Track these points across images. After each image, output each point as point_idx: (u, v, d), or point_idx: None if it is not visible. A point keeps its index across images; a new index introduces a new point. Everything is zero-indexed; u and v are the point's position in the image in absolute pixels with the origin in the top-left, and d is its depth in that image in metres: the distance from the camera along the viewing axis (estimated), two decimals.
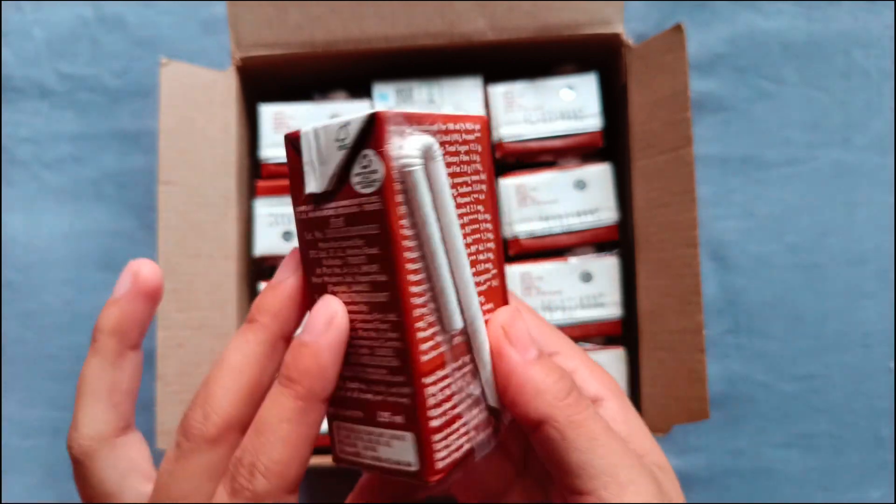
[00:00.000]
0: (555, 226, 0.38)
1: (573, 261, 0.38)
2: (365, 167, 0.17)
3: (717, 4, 0.45)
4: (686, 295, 0.34)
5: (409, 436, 0.18)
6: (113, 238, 0.46)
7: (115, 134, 0.47)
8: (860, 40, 0.44)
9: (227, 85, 0.39)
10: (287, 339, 0.20)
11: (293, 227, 0.39)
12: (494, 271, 0.20)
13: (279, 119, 0.40)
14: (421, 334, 0.17)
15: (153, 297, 0.21)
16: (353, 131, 0.17)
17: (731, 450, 0.43)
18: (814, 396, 0.43)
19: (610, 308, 0.38)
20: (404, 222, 0.17)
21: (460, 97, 0.40)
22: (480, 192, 0.19)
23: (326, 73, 0.40)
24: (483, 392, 0.20)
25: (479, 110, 0.39)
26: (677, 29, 0.35)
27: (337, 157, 0.17)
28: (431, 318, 0.17)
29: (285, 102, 0.40)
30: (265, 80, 0.41)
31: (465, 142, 0.19)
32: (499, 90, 0.39)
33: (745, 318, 0.43)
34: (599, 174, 0.39)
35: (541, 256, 0.38)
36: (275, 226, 0.39)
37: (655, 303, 0.35)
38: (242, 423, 0.19)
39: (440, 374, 0.18)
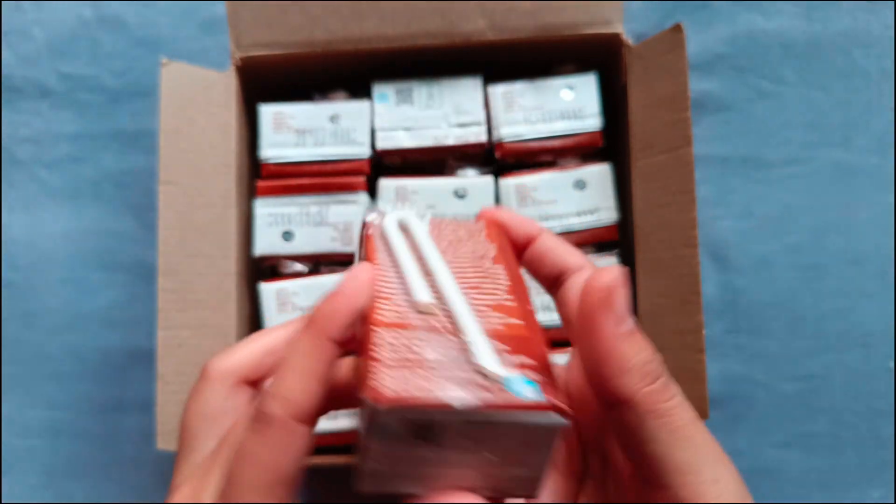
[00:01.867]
0: (555, 226, 0.38)
1: None
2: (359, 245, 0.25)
3: (717, 4, 0.45)
4: (685, 295, 0.34)
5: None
6: (113, 238, 0.46)
7: (114, 134, 0.47)
8: (860, 40, 0.44)
9: (227, 85, 0.39)
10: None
11: (293, 227, 0.39)
12: (509, 296, 0.22)
13: (279, 119, 0.40)
14: (384, 302, 0.21)
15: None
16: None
17: (731, 450, 0.42)
18: (814, 396, 0.43)
19: None
20: (379, 249, 0.24)
21: (460, 97, 0.40)
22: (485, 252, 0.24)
23: (326, 73, 0.40)
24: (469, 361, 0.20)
25: (478, 110, 0.39)
26: (677, 29, 0.35)
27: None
28: (400, 296, 0.22)
29: (285, 102, 0.40)
30: (265, 80, 0.41)
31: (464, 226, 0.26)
32: (499, 90, 0.39)
33: (745, 318, 0.43)
34: (599, 174, 0.39)
35: None
36: (274, 226, 0.39)
37: (655, 303, 0.35)
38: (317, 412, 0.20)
39: (399, 331, 0.20)
